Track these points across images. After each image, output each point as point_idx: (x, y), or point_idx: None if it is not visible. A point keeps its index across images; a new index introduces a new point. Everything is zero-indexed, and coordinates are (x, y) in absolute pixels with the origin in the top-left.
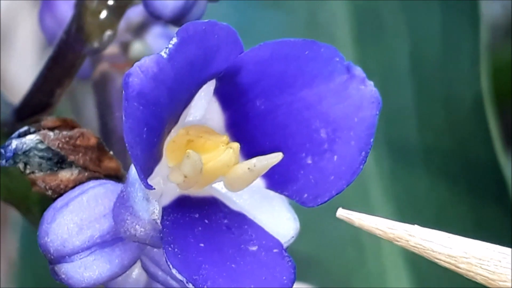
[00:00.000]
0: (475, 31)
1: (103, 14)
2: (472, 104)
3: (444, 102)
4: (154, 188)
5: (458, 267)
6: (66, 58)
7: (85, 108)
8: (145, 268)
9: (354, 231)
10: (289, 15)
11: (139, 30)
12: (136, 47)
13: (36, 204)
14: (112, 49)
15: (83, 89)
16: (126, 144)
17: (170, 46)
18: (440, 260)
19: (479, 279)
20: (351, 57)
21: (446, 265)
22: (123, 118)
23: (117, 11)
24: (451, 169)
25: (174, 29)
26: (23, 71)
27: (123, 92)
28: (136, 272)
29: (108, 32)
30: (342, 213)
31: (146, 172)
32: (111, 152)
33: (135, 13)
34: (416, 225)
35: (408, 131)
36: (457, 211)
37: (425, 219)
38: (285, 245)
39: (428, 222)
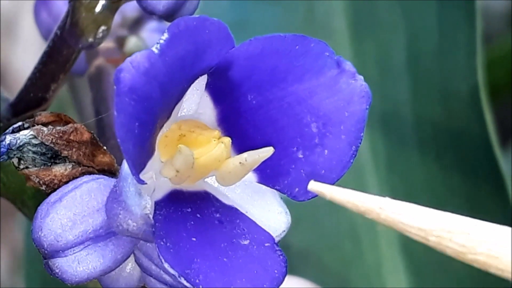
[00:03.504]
0: (471, 24)
1: (98, 9)
2: (468, 97)
3: (440, 95)
4: (146, 183)
5: (428, 240)
6: (61, 53)
7: (82, 102)
8: (138, 263)
9: (350, 223)
10: (286, 10)
11: (135, 25)
12: (132, 42)
13: (31, 198)
14: (107, 44)
15: (80, 83)
16: (118, 139)
17: (161, 41)
18: (411, 233)
19: (449, 252)
20: (348, 51)
21: (417, 237)
22: (115, 113)
23: (112, 7)
24: (447, 161)
25: (168, 24)
26: (27, 63)
27: (115, 87)
28: (130, 266)
29: (103, 27)
30: (313, 186)
31: (138, 167)
32: (106, 147)
33: (130, 8)
34: (387, 198)
35: (404, 124)
36: (453, 202)
37: None
38: (276, 239)
39: None
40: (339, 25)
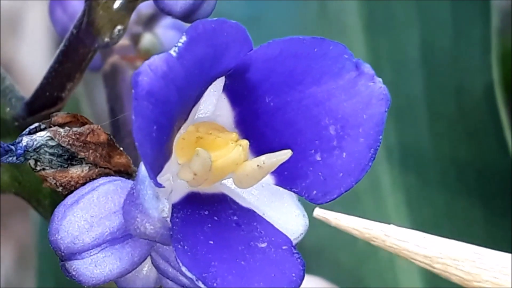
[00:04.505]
0: (486, 20)
1: (114, 8)
2: (483, 94)
3: (455, 91)
4: (164, 187)
5: (433, 267)
6: (76, 52)
7: (96, 98)
8: (155, 265)
9: None
10: (299, 6)
11: (149, 21)
12: (147, 38)
13: (47, 198)
14: (122, 41)
15: (94, 79)
16: (136, 143)
17: (180, 44)
18: (416, 260)
19: (454, 279)
20: (362, 47)
21: (422, 265)
22: (133, 117)
23: (128, 6)
24: (461, 158)
25: (184, 23)
26: (34, 60)
27: (133, 91)
28: (146, 268)
29: (119, 27)
30: (319, 212)
31: (155, 170)
32: (121, 146)
33: (145, 5)
34: (392, 225)
35: (418, 121)
36: (467, 199)
37: (434, 209)
38: (294, 242)
39: (437, 211)
40: (352, 21)
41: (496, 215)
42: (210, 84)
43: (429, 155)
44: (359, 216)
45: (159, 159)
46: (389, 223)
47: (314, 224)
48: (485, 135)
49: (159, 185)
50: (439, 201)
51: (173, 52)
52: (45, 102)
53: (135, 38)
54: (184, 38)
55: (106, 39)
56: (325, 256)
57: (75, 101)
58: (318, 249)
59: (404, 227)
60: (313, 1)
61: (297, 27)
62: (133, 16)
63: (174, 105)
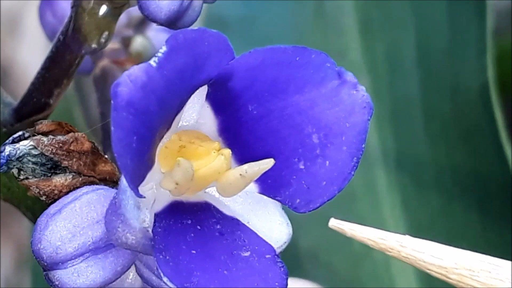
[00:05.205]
0: (481, 21)
1: (100, 14)
2: (479, 94)
3: (450, 92)
4: (145, 197)
5: (449, 278)
6: (63, 58)
7: (88, 101)
8: (139, 273)
9: (359, 221)
10: (296, 6)
11: (140, 24)
12: (138, 41)
13: (36, 203)
14: (113, 45)
15: (86, 82)
16: (115, 154)
17: (159, 54)
18: (432, 270)
19: None
20: (358, 47)
21: (438, 275)
22: (112, 128)
23: (114, 12)
24: (457, 160)
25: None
26: (34, 60)
27: (112, 101)
28: (131, 276)
29: (106, 33)
30: (334, 223)
31: (136, 181)
32: (112, 151)
33: (135, 8)
34: (407, 235)
35: (414, 122)
36: (462, 201)
37: (430, 211)
38: (277, 251)
39: (433, 213)
40: (349, 22)
41: (491, 217)
42: (192, 93)
43: (425, 157)
44: (355, 219)
45: (140, 169)
46: (384, 226)
47: (309, 226)
48: (480, 136)
49: (140, 196)
50: (434, 203)
51: (153, 62)
52: (32, 108)
53: (126, 42)
54: (164, 48)
55: (93, 45)
56: (320, 258)
57: (69, 105)
58: (313, 252)
59: (400, 230)
60: (310, 1)
61: (294, 27)
62: (124, 19)
63: (154, 115)
